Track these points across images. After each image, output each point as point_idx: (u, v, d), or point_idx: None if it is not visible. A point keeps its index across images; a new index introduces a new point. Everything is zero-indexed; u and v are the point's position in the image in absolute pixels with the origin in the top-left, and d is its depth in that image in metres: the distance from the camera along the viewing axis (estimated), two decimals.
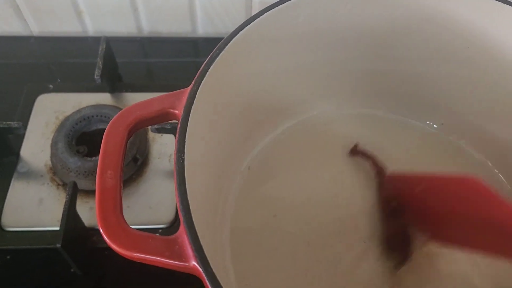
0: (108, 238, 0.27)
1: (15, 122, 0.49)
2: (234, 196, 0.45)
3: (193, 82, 0.33)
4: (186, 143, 0.30)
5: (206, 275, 0.26)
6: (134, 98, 0.58)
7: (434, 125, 0.52)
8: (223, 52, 0.35)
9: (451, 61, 0.46)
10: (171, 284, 0.45)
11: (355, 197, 0.47)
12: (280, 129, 0.49)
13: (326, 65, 0.47)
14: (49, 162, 0.52)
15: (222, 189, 0.43)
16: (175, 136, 0.50)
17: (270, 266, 0.43)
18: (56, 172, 0.51)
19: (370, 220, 0.46)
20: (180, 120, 0.31)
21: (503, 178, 0.49)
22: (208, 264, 0.26)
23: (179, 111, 0.32)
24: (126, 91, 0.59)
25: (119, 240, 0.27)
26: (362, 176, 0.48)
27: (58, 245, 0.42)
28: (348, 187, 0.48)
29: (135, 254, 0.27)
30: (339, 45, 0.46)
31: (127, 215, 0.48)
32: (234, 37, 0.36)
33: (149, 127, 0.54)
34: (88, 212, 0.49)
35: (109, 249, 0.47)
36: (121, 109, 0.54)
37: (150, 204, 0.50)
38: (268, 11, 0.38)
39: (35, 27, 0.65)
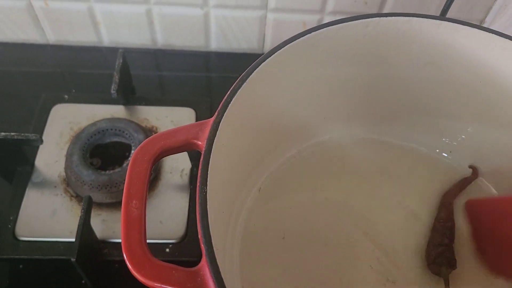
0: (133, 268, 0.28)
1: (32, 134, 0.50)
2: (244, 218, 0.46)
3: (216, 113, 0.34)
4: (208, 175, 0.31)
5: None
6: (147, 111, 0.59)
7: (444, 153, 0.53)
8: (245, 83, 0.36)
9: (463, 95, 0.47)
10: None
11: (364, 221, 0.48)
12: (291, 152, 0.51)
13: (340, 93, 0.49)
14: (63, 173, 0.53)
15: (233, 212, 0.44)
16: (187, 152, 0.52)
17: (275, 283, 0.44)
18: (70, 184, 0.52)
19: (378, 244, 0.47)
20: (203, 152, 0.32)
21: None
22: None
23: (202, 142, 0.33)
24: (140, 104, 0.60)
25: (144, 271, 0.28)
26: (371, 199, 0.50)
27: (73, 259, 0.43)
28: (357, 210, 0.49)
29: (158, 285, 0.28)
30: (353, 75, 0.47)
31: None
32: (256, 68, 0.37)
33: None
34: (101, 225, 0.50)
35: (120, 262, 0.49)
36: (135, 123, 0.56)
37: (161, 218, 0.51)
38: (289, 43, 0.39)
39: (52, 36, 0.65)
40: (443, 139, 0.53)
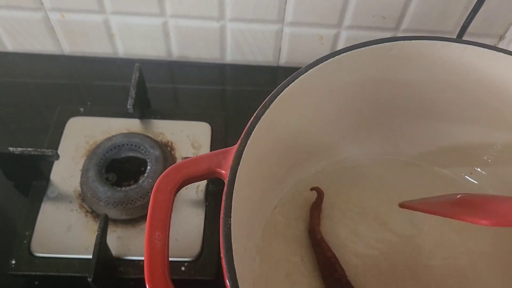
0: None
1: (49, 150, 0.50)
2: (258, 237, 0.46)
3: (239, 141, 0.34)
4: (232, 206, 0.31)
5: None
6: (162, 125, 0.59)
7: (464, 174, 0.53)
8: (268, 110, 0.36)
9: (486, 118, 0.47)
10: None
11: (383, 241, 0.48)
12: (309, 171, 0.50)
13: (359, 113, 0.48)
14: (79, 188, 0.53)
15: (251, 235, 0.44)
16: None
17: None
18: (85, 200, 0.52)
19: (392, 265, 0.47)
20: (226, 182, 0.32)
21: None
22: None
23: (225, 171, 0.33)
24: (155, 118, 0.60)
25: None
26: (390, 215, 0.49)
27: (90, 279, 0.43)
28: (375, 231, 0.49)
29: None
30: (373, 97, 0.47)
31: None
32: (279, 94, 0.36)
33: (179, 158, 0.55)
34: (116, 242, 0.50)
35: (135, 280, 0.49)
36: (150, 138, 0.55)
37: (176, 236, 0.51)
38: (313, 67, 0.38)
39: (67, 47, 0.65)
40: (461, 162, 0.52)
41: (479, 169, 0.52)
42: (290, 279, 0.45)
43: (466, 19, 0.56)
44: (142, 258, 0.49)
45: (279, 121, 0.39)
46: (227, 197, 0.31)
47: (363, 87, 0.45)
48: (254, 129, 0.34)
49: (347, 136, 0.50)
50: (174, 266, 0.49)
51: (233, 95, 0.66)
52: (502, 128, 0.47)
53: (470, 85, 0.44)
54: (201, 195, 0.54)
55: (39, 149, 0.50)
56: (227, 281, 0.28)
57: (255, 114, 0.35)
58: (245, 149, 0.34)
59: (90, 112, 0.59)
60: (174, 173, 0.32)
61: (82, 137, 0.57)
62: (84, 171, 0.52)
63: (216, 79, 0.68)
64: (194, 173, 0.33)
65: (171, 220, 0.51)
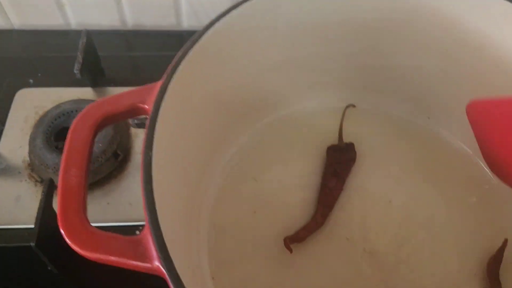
0: (69, 238, 0.26)
1: None
2: (213, 192, 0.44)
3: (165, 75, 0.32)
4: (154, 139, 0.29)
5: (169, 276, 0.25)
6: (116, 92, 0.56)
7: (420, 119, 0.51)
8: (196, 44, 0.34)
9: (439, 57, 0.45)
10: (148, 281, 0.44)
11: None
12: (261, 124, 0.48)
13: (310, 59, 0.46)
14: (27, 159, 0.51)
15: (200, 186, 0.42)
16: None
17: (248, 261, 0.42)
18: (34, 169, 0.50)
19: (350, 212, 0.45)
20: (149, 116, 0.30)
21: (488, 171, 0.48)
22: (172, 264, 0.25)
23: (149, 106, 0.31)
24: (109, 85, 0.58)
25: (80, 241, 0.26)
26: None
27: (32, 244, 0.41)
28: None
29: (97, 255, 0.26)
30: (322, 38, 0.45)
31: (108, 211, 0.48)
32: (209, 29, 0.35)
33: (130, 122, 0.53)
34: None
35: None
36: None
37: (130, 200, 0.49)
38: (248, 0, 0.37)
39: (16, 21, 0.63)
40: (420, 105, 0.50)
41: (436, 113, 0.50)
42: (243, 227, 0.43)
43: None
44: (95, 224, 0.47)
45: (213, 61, 0.37)
46: (149, 130, 0.29)
47: (306, 29, 0.42)
48: (181, 63, 0.33)
49: (298, 86, 0.48)
50: (129, 230, 0.47)
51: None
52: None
53: (424, 23, 0.43)
54: None
55: None
56: (145, 211, 0.26)
57: (182, 48, 0.33)
58: (170, 83, 0.32)
59: (40, 83, 0.57)
60: (94, 110, 0.30)
61: (32, 108, 0.55)
62: (32, 140, 0.50)
63: (174, 46, 0.65)
64: (115, 110, 0.31)
65: (126, 185, 0.50)
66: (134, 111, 0.31)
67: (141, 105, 0.31)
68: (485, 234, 0.45)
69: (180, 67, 0.33)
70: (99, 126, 0.30)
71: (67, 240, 0.26)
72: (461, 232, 0.45)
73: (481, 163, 0.48)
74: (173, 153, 0.33)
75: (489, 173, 0.48)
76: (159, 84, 0.32)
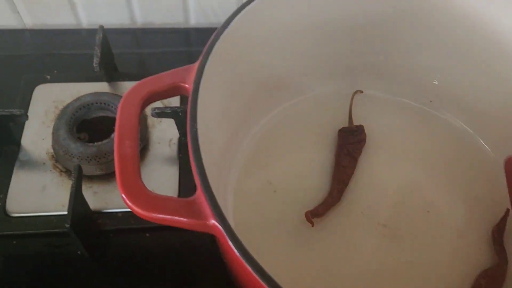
0: (130, 201, 0.28)
1: (16, 110, 0.50)
2: (238, 166, 0.47)
3: (201, 56, 0.35)
4: (198, 113, 0.32)
5: (225, 231, 0.27)
6: (131, 86, 0.59)
7: (422, 102, 0.55)
8: (228, 28, 0.37)
9: (443, 45, 0.48)
10: (174, 268, 0.47)
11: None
12: (279, 109, 0.51)
13: (320, 47, 0.50)
14: (51, 150, 0.53)
15: (224, 166, 0.44)
16: (175, 121, 0.52)
17: (271, 239, 0.45)
18: (58, 159, 0.52)
19: (365, 192, 0.48)
20: (191, 92, 0.33)
21: (487, 147, 0.52)
22: (227, 221, 0.28)
23: (189, 85, 0.34)
24: (123, 80, 0.60)
25: (141, 203, 0.28)
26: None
27: (67, 225, 0.43)
28: None
29: (156, 215, 0.28)
30: (333, 26, 0.48)
31: None
32: (238, 14, 0.37)
33: (149, 112, 0.55)
34: (92, 196, 0.50)
35: (114, 231, 0.49)
36: (120, 96, 0.56)
37: (152, 188, 0.50)
38: None
39: (29, 20, 0.65)
40: (424, 90, 0.54)
41: (438, 97, 0.54)
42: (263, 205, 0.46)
43: None
44: (120, 210, 0.50)
45: (240, 44, 0.39)
46: (192, 104, 0.32)
47: (324, 20, 0.46)
48: (215, 45, 0.35)
49: (309, 73, 0.51)
50: None
51: (199, 57, 0.67)
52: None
53: (425, 12, 0.46)
54: (174, 148, 0.55)
55: (6, 110, 0.50)
56: (196, 175, 0.29)
57: (215, 32, 0.36)
58: (206, 63, 0.34)
59: (57, 79, 0.59)
60: (140, 88, 0.33)
61: (51, 102, 0.57)
62: (55, 131, 0.52)
63: (182, 42, 0.68)
64: (159, 88, 0.33)
65: (146, 173, 0.52)
66: (175, 90, 0.34)
67: (182, 84, 0.34)
68: (488, 204, 0.48)
69: (214, 49, 0.35)
70: (145, 103, 0.33)
71: (128, 203, 0.29)
72: (465, 205, 0.48)
73: (481, 141, 0.52)
74: (209, 124, 0.35)
75: (489, 149, 0.51)
76: (196, 65, 0.34)
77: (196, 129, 0.31)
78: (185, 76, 0.34)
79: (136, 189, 0.29)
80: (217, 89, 0.37)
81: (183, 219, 0.28)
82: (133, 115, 0.32)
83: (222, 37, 0.36)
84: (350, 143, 0.50)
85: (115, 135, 0.31)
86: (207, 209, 0.28)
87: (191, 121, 0.31)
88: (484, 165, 0.51)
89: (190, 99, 0.32)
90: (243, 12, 0.38)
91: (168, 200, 0.29)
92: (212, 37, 0.36)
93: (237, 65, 0.41)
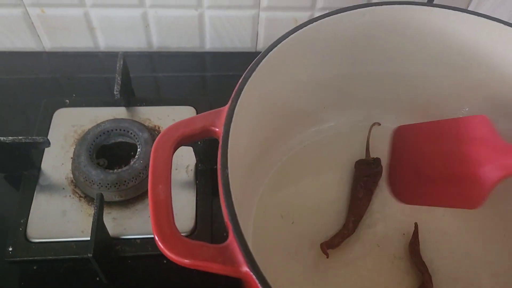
0: (164, 246, 0.29)
1: (39, 137, 0.51)
2: (255, 199, 0.48)
3: (230, 101, 0.36)
4: (228, 158, 0.33)
5: (258, 280, 0.28)
6: (148, 112, 0.60)
7: None
8: (254, 72, 0.38)
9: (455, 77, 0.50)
10: None
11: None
12: (297, 139, 0.53)
13: (338, 82, 0.51)
14: (70, 175, 0.54)
15: (246, 193, 0.46)
16: (193, 148, 0.53)
17: (286, 269, 0.46)
18: (78, 185, 0.53)
19: (380, 224, 0.50)
20: (221, 137, 0.34)
21: None
22: (259, 269, 0.29)
23: (219, 129, 0.35)
24: (141, 105, 0.61)
25: (175, 249, 0.29)
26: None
27: (90, 255, 0.44)
28: None
29: (190, 261, 0.29)
30: (350, 64, 0.49)
31: (147, 225, 0.51)
32: (265, 57, 0.38)
33: None
34: (112, 222, 0.51)
35: (132, 258, 0.50)
36: (138, 122, 0.57)
37: None
38: (292, 33, 0.41)
39: (48, 43, 0.66)
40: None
41: None
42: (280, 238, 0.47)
43: None
44: (138, 236, 0.51)
45: (265, 85, 0.41)
46: (223, 149, 0.33)
47: (339, 55, 0.47)
48: (244, 89, 0.36)
49: (328, 105, 0.52)
50: None
51: (214, 81, 0.68)
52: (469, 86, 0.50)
53: (441, 45, 0.47)
54: (191, 174, 0.56)
55: (29, 137, 0.51)
56: (228, 222, 0.30)
57: (243, 76, 0.37)
58: (236, 108, 0.35)
59: (76, 103, 0.60)
60: (172, 131, 0.34)
61: (70, 126, 0.58)
62: (76, 157, 0.53)
63: (197, 66, 0.69)
64: (190, 131, 0.34)
65: None
66: (205, 133, 0.35)
67: (212, 128, 0.35)
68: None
69: (243, 92, 0.36)
70: (176, 146, 0.34)
71: (162, 248, 0.30)
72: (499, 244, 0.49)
73: None
74: (237, 166, 0.36)
75: None
76: (226, 108, 0.36)
77: (228, 174, 0.32)
78: (215, 120, 0.35)
79: (170, 234, 0.30)
80: (244, 130, 0.38)
81: (216, 265, 0.29)
82: (166, 158, 0.33)
83: (249, 80, 0.37)
84: (366, 175, 0.51)
85: (149, 179, 0.32)
86: (239, 256, 0.29)
87: (222, 166, 0.32)
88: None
89: (220, 144, 0.33)
90: (269, 55, 0.39)
91: (201, 246, 0.30)
92: (240, 80, 0.37)
93: (262, 104, 0.42)
